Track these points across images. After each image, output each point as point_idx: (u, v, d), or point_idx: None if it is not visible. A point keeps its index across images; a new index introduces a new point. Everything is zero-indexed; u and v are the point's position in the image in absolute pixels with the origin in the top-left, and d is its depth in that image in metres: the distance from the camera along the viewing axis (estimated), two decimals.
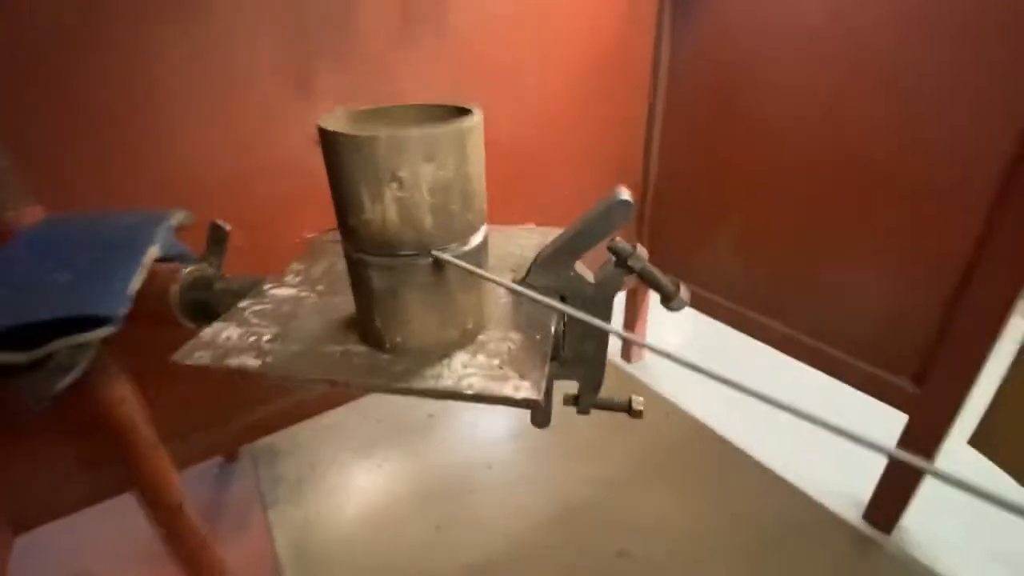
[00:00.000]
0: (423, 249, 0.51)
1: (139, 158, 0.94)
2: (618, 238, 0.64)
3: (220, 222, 0.86)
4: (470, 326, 0.58)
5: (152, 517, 0.92)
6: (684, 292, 0.66)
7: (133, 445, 0.87)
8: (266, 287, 0.72)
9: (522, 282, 0.68)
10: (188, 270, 0.78)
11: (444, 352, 0.57)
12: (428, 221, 0.49)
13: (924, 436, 1.08)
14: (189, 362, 0.57)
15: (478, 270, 0.51)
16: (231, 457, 1.46)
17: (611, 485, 1.33)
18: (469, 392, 0.51)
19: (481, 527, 1.21)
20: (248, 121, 0.98)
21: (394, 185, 0.46)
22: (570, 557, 1.14)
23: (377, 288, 0.53)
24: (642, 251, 0.64)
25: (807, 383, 1.24)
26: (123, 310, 0.69)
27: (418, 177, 0.47)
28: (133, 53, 0.88)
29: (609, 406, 0.78)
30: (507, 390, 0.51)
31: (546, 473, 1.37)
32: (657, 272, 0.65)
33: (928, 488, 1.13)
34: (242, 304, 0.68)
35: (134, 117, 0.91)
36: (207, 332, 0.62)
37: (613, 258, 0.66)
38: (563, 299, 0.67)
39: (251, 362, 0.56)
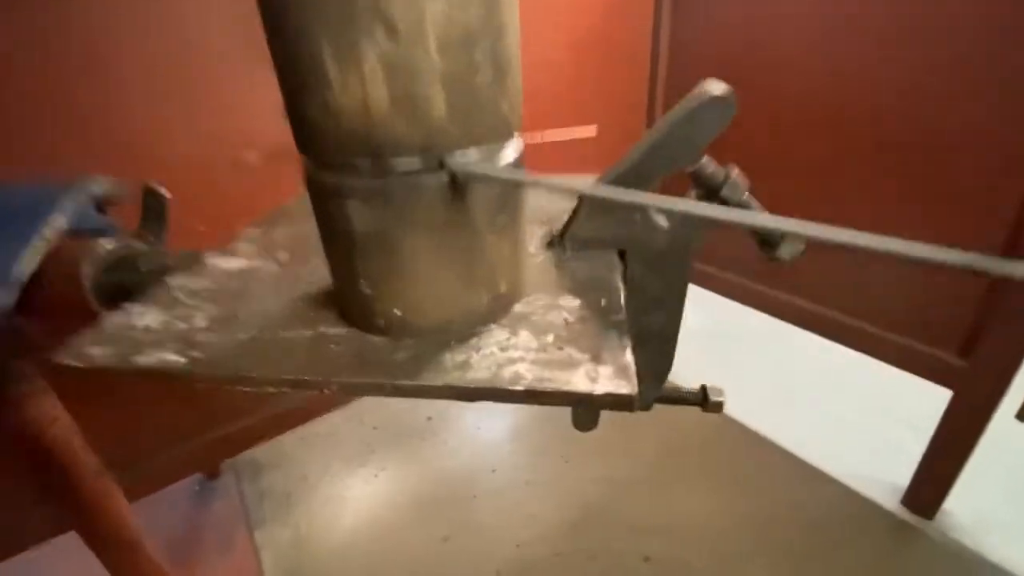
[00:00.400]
0: (431, 156, 0.31)
1: (87, 131, 0.75)
2: (705, 157, 0.45)
3: (155, 185, 0.66)
4: (504, 289, 0.38)
5: (102, 558, 0.73)
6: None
7: (70, 473, 0.67)
8: (207, 258, 0.52)
9: (564, 234, 0.48)
10: (107, 246, 0.58)
11: (468, 329, 0.37)
12: (439, 102, 0.29)
13: (970, 412, 1.00)
14: (75, 363, 0.37)
15: (529, 178, 0.31)
16: (212, 474, 1.31)
17: (629, 485, 1.22)
18: (518, 388, 0.31)
19: (489, 536, 1.10)
20: (211, 90, 0.78)
21: (380, 34, 0.27)
22: (591, 565, 1.03)
23: (359, 229, 0.33)
24: (740, 177, 0.45)
25: (837, 362, 1.14)
26: (9, 296, 0.49)
27: (421, 18, 0.27)
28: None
29: (678, 399, 0.59)
30: (580, 382, 0.31)
31: (556, 475, 1.26)
32: (761, 208, 0.46)
33: (972, 466, 1.06)
34: (172, 280, 0.48)
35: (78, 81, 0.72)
36: (114, 319, 0.42)
37: (696, 190, 0.47)
38: (622, 255, 0.48)
39: (172, 358, 0.36)
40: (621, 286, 0.42)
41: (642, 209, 0.46)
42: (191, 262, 0.54)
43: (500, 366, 0.33)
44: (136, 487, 0.88)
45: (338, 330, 0.39)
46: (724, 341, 1.73)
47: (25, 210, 0.57)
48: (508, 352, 0.35)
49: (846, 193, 1.13)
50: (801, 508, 1.17)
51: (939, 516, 1.12)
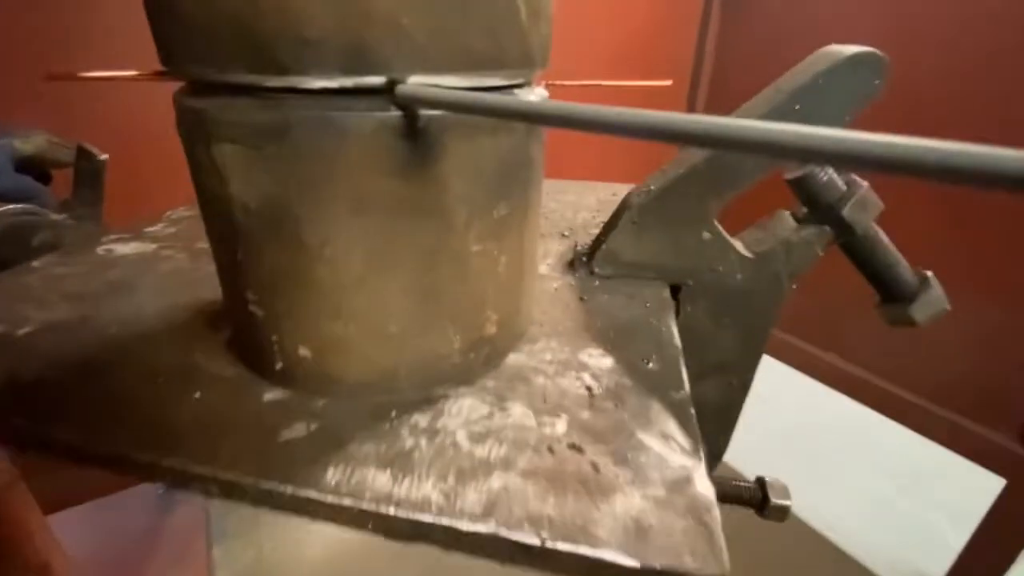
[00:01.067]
0: (369, 69, 0.16)
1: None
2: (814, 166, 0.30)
3: (89, 147, 0.53)
4: (491, 329, 0.23)
5: None
6: (934, 282, 0.31)
7: None
8: (106, 240, 0.38)
9: (594, 252, 0.33)
10: (5, 208, 0.45)
11: (423, 390, 0.22)
12: None
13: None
14: None
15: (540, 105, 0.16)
16: None
17: None
18: (484, 532, 0.16)
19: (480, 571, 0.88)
20: None
21: None
22: None
23: (239, 199, 0.19)
24: (870, 194, 0.29)
25: (876, 434, 1.01)
26: None
27: None
28: None
29: (731, 496, 0.42)
30: (612, 538, 0.16)
31: None
32: (894, 249, 0.31)
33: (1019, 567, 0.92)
34: (36, 262, 0.34)
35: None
36: None
37: (801, 207, 0.32)
38: (676, 291, 0.33)
39: None
40: (677, 339, 0.27)
41: (710, 224, 0.30)
42: (92, 242, 0.40)
43: (462, 477, 0.18)
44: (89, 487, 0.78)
45: (218, 366, 0.23)
46: (753, 401, 1.57)
47: None
48: (482, 446, 0.20)
49: (926, 218, 0.98)
50: None
51: None
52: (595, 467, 0.19)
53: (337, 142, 0.17)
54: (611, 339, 0.27)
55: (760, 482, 0.42)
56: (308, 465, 0.18)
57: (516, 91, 0.20)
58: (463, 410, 0.21)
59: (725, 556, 0.15)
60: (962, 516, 1.01)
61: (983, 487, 0.92)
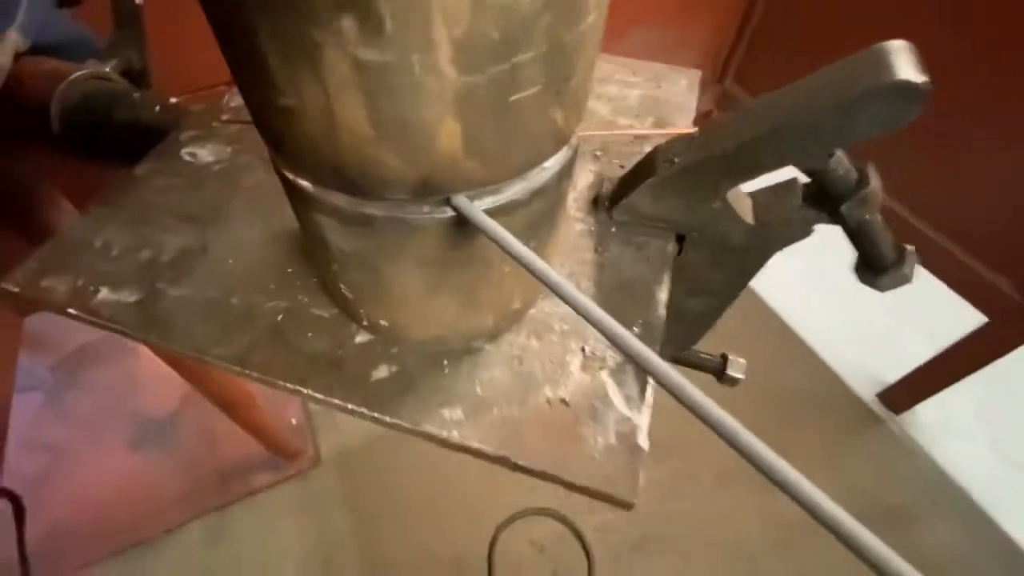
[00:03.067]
0: (432, 196, 0.21)
1: None
2: (838, 153, 0.31)
3: None
4: (517, 305, 0.31)
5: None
6: (910, 258, 0.36)
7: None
8: (182, 145, 0.42)
9: (616, 200, 0.38)
10: (75, 75, 0.48)
11: (466, 344, 0.31)
12: (450, 132, 0.18)
13: (999, 344, 0.97)
14: (29, 294, 0.32)
15: (547, 271, 0.21)
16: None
17: None
18: (492, 452, 0.27)
19: None
20: None
21: (351, 31, 0.15)
22: None
23: (335, 245, 0.25)
24: (873, 193, 0.32)
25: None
26: None
27: (426, 10, 0.14)
28: None
29: (695, 364, 0.54)
30: (575, 465, 0.27)
31: None
32: (883, 227, 0.34)
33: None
34: (138, 169, 0.40)
35: None
36: (74, 230, 0.36)
37: (802, 185, 0.35)
38: (681, 240, 0.38)
39: (128, 316, 0.32)
40: (663, 310, 0.34)
41: (723, 196, 0.34)
42: (169, 123, 0.45)
43: (488, 411, 0.29)
44: None
45: (318, 310, 0.33)
46: None
47: None
48: (502, 399, 0.30)
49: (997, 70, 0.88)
50: (780, 378, 1.26)
51: (906, 414, 1.21)
52: (575, 419, 0.29)
53: (406, 232, 0.22)
54: (612, 299, 0.34)
55: (723, 357, 0.53)
56: (395, 398, 0.29)
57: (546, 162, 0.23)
58: (491, 363, 0.31)
59: (637, 491, 0.27)
60: (936, 339, 1.16)
61: (960, 319, 1.03)
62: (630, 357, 0.19)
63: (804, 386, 1.27)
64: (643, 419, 0.29)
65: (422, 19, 0.15)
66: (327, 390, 0.29)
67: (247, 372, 0.30)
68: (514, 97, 0.18)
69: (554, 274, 0.21)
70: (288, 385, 0.30)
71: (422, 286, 0.26)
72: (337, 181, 0.21)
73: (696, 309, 0.45)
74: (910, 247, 0.36)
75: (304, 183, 0.22)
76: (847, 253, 0.36)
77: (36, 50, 0.48)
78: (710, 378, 0.51)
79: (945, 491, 1.12)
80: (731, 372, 0.51)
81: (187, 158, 0.41)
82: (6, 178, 0.59)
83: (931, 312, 1.37)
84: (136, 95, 0.47)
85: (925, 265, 1.07)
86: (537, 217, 0.25)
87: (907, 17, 0.91)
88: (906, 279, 0.36)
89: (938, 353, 1.10)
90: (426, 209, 0.22)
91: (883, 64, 0.26)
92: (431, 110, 0.17)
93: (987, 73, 0.86)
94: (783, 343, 1.35)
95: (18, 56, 0.46)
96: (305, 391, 0.29)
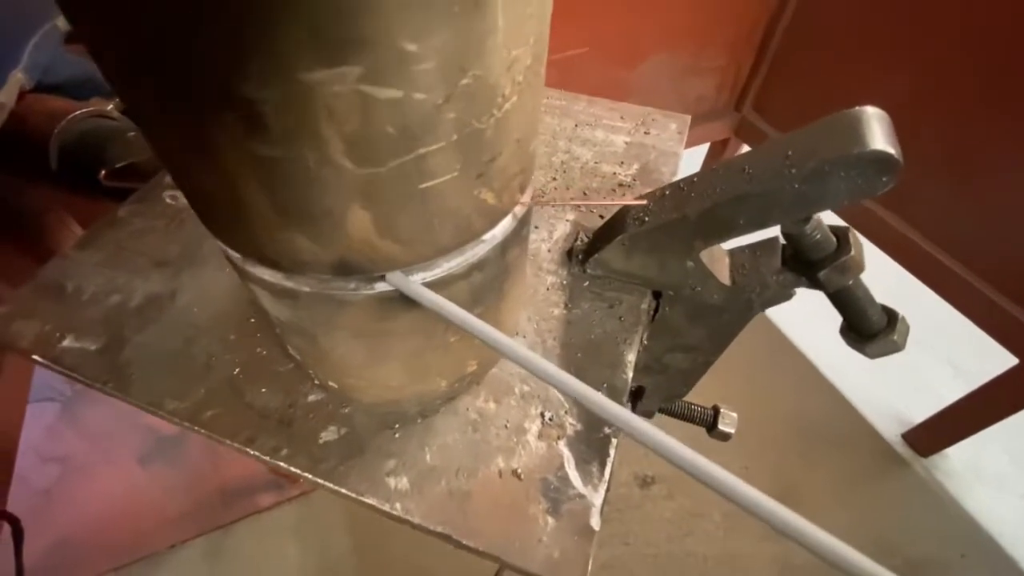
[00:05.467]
0: (354, 270, 0.20)
1: None
2: (815, 219, 0.30)
3: None
4: (473, 368, 0.30)
5: None
6: (901, 325, 0.34)
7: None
8: (165, 187, 0.43)
9: (588, 254, 0.36)
10: (75, 113, 0.49)
11: (421, 407, 0.31)
12: (359, 219, 0.17)
13: None
14: (3, 340, 0.33)
15: (503, 341, 0.20)
16: None
17: None
18: (438, 530, 0.26)
19: None
20: None
21: (232, 117, 0.14)
22: None
23: (271, 312, 0.24)
24: (858, 256, 0.30)
25: (905, 293, 0.96)
26: None
27: (306, 99, 0.14)
28: None
29: (686, 415, 0.52)
30: (517, 548, 0.25)
31: None
32: (866, 293, 0.32)
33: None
34: (121, 211, 0.41)
35: None
36: (51, 270, 0.36)
37: (782, 246, 0.33)
38: (658, 297, 0.37)
39: (90, 365, 0.32)
40: (630, 372, 0.32)
41: (697, 256, 0.32)
42: (157, 186, 0.45)
43: (436, 482, 0.28)
44: None
45: (274, 364, 0.32)
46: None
47: None
48: (452, 469, 0.28)
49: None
50: (803, 414, 1.21)
51: (933, 457, 1.14)
52: (525, 494, 0.28)
53: (336, 307, 0.22)
54: (577, 360, 0.33)
55: (715, 409, 0.51)
56: (339, 465, 0.28)
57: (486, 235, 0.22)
58: (444, 428, 0.30)
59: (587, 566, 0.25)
60: (967, 376, 1.10)
61: (991, 358, 0.98)
62: (596, 412, 0.17)
63: (824, 423, 1.22)
64: (598, 497, 0.27)
65: (307, 117, 0.14)
66: (274, 451, 0.29)
67: (197, 429, 0.29)
68: (424, 185, 0.17)
69: (504, 338, 0.20)
70: (235, 445, 0.29)
71: (362, 355, 0.25)
72: (258, 257, 0.20)
73: (680, 365, 0.43)
74: (901, 313, 0.33)
75: (233, 253, 0.22)
76: (872, 283, 0.33)
77: (42, 88, 0.50)
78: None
79: (975, 542, 1.04)
80: (722, 426, 0.49)
81: (168, 200, 0.41)
82: (16, 204, 0.61)
83: (961, 347, 1.32)
84: (131, 134, 0.49)
85: (952, 302, 1.03)
86: (480, 287, 0.24)
87: (927, 44, 0.88)
88: (896, 347, 0.33)
89: (969, 393, 1.04)
90: (352, 286, 0.21)
91: (855, 132, 0.25)
92: (333, 199, 0.17)
93: (1013, 99, 0.82)
94: (802, 377, 1.31)
95: (23, 94, 0.48)
96: (252, 452, 0.29)
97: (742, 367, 1.20)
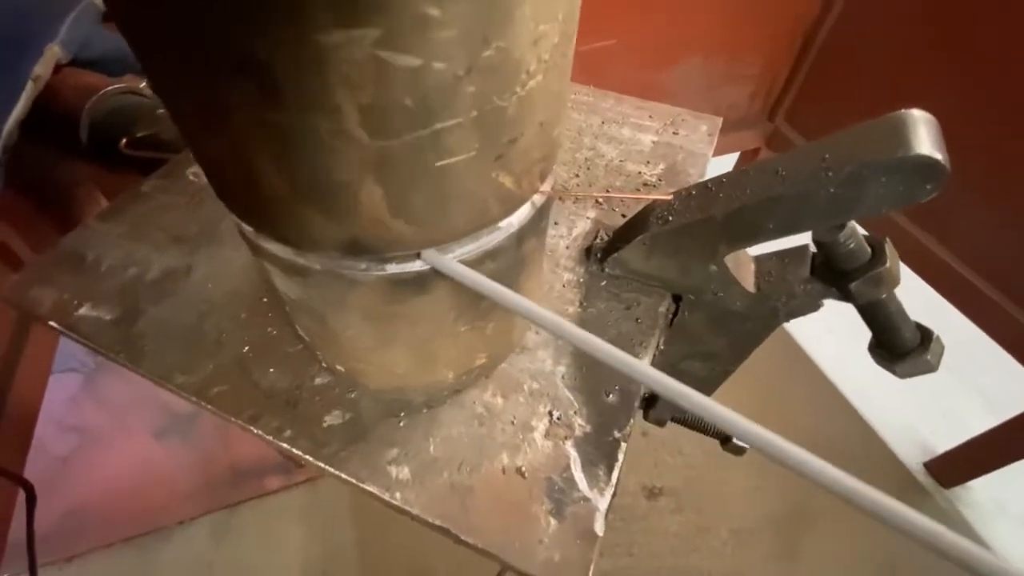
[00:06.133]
0: (365, 249, 0.20)
1: None
2: (850, 226, 0.28)
3: None
4: (481, 362, 0.29)
5: None
6: (935, 345, 0.32)
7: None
8: (190, 164, 0.43)
9: (607, 253, 0.35)
10: (107, 89, 0.50)
11: (427, 397, 0.30)
12: (371, 195, 0.17)
13: None
14: (18, 303, 0.33)
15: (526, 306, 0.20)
16: None
17: None
18: (437, 523, 0.25)
19: None
20: None
21: (249, 85, 0.14)
22: None
23: (282, 290, 0.24)
24: (888, 272, 0.29)
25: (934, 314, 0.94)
26: None
27: (320, 63, 0.13)
28: None
29: (698, 426, 0.51)
30: (517, 548, 0.25)
31: None
32: (900, 308, 0.31)
33: None
34: (145, 186, 0.41)
35: None
36: (72, 240, 0.37)
37: (812, 253, 0.32)
38: (677, 301, 0.36)
39: (104, 335, 0.32)
40: (649, 356, 0.31)
41: (720, 259, 0.31)
42: (182, 165, 0.46)
43: (438, 474, 0.27)
44: None
45: (283, 345, 0.32)
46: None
47: (15, 33, 0.48)
48: (455, 462, 0.28)
49: None
50: (824, 435, 1.18)
51: (957, 489, 1.10)
52: (528, 493, 0.27)
53: (346, 286, 0.21)
54: (590, 360, 0.32)
55: None
56: (341, 449, 0.28)
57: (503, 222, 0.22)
58: (450, 420, 0.29)
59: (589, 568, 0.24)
60: (996, 407, 1.06)
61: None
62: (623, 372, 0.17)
63: (841, 444, 1.18)
64: (603, 501, 0.26)
65: (321, 84, 0.14)
66: (277, 431, 0.28)
67: (203, 404, 0.29)
68: (441, 163, 0.17)
69: (549, 314, 0.19)
70: (239, 422, 0.29)
71: (370, 338, 0.25)
72: (270, 231, 0.20)
73: (697, 373, 0.42)
74: (936, 332, 0.32)
75: (246, 227, 0.21)
76: (902, 299, 0.31)
77: (78, 63, 0.51)
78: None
79: None
80: (737, 440, 0.47)
81: (191, 177, 0.41)
82: (48, 176, 0.62)
83: (992, 376, 1.27)
84: (160, 111, 0.49)
85: (985, 328, 0.98)
86: (493, 277, 0.23)
87: (973, 60, 0.85)
88: (929, 367, 0.32)
89: (998, 424, 1.00)
90: (363, 266, 0.20)
91: (899, 135, 0.23)
92: (346, 173, 0.16)
93: None
94: (822, 397, 1.27)
95: (58, 67, 0.49)
96: (255, 431, 0.28)
97: (756, 379, 1.16)
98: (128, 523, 1.06)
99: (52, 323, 0.32)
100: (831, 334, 1.36)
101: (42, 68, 0.47)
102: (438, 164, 0.17)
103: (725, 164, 1.50)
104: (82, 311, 0.33)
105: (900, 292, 0.30)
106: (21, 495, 0.74)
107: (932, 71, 0.91)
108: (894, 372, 0.33)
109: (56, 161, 0.60)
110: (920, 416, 1.24)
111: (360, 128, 0.15)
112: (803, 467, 0.16)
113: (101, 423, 1.18)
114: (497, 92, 0.16)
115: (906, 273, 1.05)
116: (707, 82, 1.12)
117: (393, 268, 0.20)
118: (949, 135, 0.23)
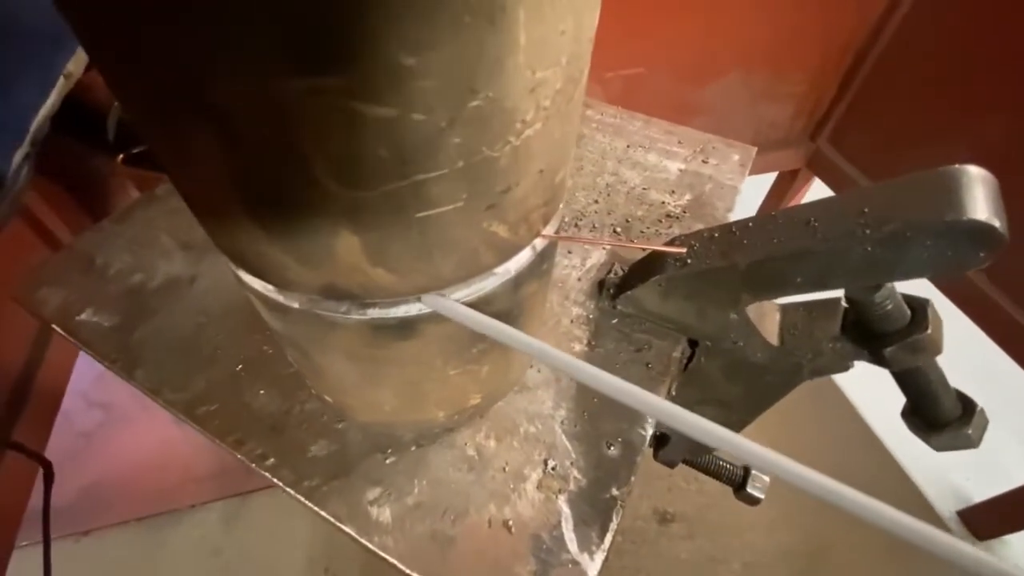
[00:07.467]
0: (344, 295, 0.18)
1: None
2: (887, 288, 0.26)
3: None
4: (475, 402, 0.28)
5: None
6: (978, 418, 0.29)
7: None
8: None
9: (620, 291, 0.33)
10: None
11: (417, 434, 0.29)
12: (348, 243, 0.16)
13: None
14: (24, 304, 0.33)
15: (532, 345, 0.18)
16: None
17: None
18: None
19: None
20: None
21: (209, 125, 0.13)
22: None
23: (269, 324, 0.23)
24: (930, 339, 0.26)
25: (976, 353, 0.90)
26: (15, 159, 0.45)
27: (272, 111, 0.12)
28: None
29: (713, 471, 0.48)
30: None
31: None
32: (941, 378, 0.28)
33: None
34: (160, 189, 0.41)
35: None
36: (83, 241, 0.37)
37: (845, 309, 0.29)
38: (693, 345, 0.33)
39: (104, 343, 0.32)
40: (650, 431, 0.29)
41: (742, 308, 0.29)
42: None
43: (420, 521, 0.25)
44: None
45: (277, 366, 0.31)
46: None
47: (50, 28, 0.49)
48: (439, 509, 0.26)
49: None
50: (856, 476, 1.13)
51: (992, 542, 1.03)
52: (513, 552, 0.25)
53: (326, 327, 0.20)
54: (593, 406, 0.30)
55: (745, 469, 0.47)
56: (323, 485, 0.27)
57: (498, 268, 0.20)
58: (438, 461, 0.28)
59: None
60: None
61: None
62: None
63: (869, 485, 1.10)
64: (594, 567, 0.25)
65: (283, 130, 0.12)
66: (260, 459, 0.28)
67: (190, 422, 0.29)
68: (422, 214, 0.15)
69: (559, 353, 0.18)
70: (223, 444, 0.28)
71: (354, 376, 0.23)
72: (248, 268, 0.19)
73: (710, 419, 0.39)
74: (980, 405, 0.29)
75: (238, 271, 0.20)
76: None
77: None
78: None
79: None
80: (751, 489, 0.45)
81: None
82: (83, 167, 0.64)
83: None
84: None
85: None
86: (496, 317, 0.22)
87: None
88: (969, 444, 0.29)
89: None
90: (344, 308, 0.19)
91: (951, 195, 0.21)
92: (318, 221, 0.15)
93: None
94: (852, 434, 1.21)
95: (91, 65, 0.50)
96: (239, 456, 0.28)
97: (780, 412, 1.11)
98: (142, 502, 1.09)
99: (54, 326, 0.32)
100: (863, 364, 1.29)
101: (74, 65, 0.48)
102: (419, 215, 0.15)
103: (762, 184, 1.45)
104: (83, 316, 0.33)
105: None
106: (39, 471, 0.76)
107: (988, 97, 0.85)
108: (930, 444, 0.30)
109: (88, 154, 0.62)
110: (956, 462, 1.17)
111: (330, 178, 0.13)
112: (842, 500, 0.14)
113: (125, 402, 1.22)
114: (487, 143, 0.14)
115: (946, 302, 0.98)
116: (748, 99, 1.07)
117: (375, 313, 0.19)
118: (1003, 167, 0.20)
